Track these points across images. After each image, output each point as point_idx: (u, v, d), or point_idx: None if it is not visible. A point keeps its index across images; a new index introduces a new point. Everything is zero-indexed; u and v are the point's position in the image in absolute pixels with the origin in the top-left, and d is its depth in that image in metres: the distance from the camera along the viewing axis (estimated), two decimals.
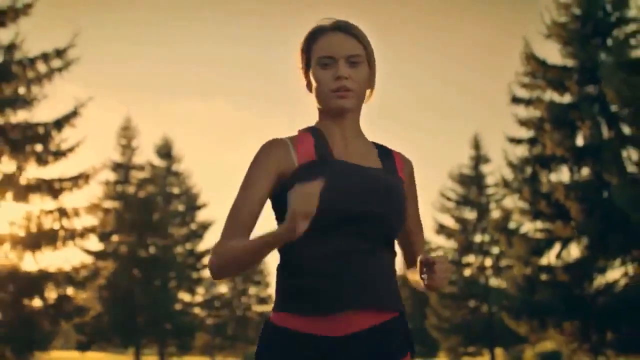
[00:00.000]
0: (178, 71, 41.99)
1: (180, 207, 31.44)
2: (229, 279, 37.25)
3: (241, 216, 1.77)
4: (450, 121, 38.31)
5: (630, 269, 12.95)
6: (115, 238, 25.68)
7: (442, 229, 29.00)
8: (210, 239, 32.59)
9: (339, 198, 1.72)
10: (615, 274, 13.79)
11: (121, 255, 26.01)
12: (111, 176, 27.97)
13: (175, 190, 31.50)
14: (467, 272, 28.19)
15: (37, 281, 12.74)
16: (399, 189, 1.81)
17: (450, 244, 29.06)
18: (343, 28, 1.81)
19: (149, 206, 27.53)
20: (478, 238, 28.17)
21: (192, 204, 31.93)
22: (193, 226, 31.55)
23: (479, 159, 29.64)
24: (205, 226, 31.75)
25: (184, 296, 30.67)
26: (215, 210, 32.37)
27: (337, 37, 1.80)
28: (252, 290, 41.48)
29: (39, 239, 13.14)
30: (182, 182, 31.91)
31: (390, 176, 1.83)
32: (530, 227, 15.04)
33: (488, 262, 27.76)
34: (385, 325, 1.76)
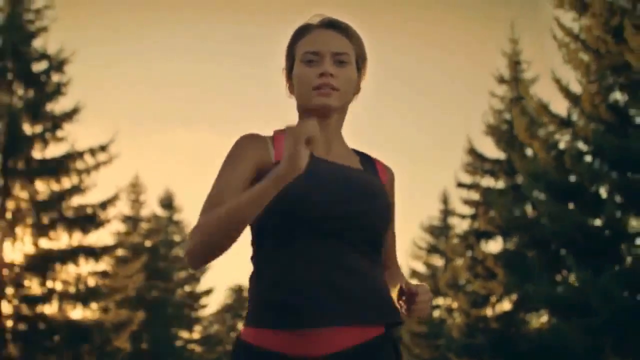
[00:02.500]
0: (161, 98, 44.44)
1: (181, 253, 35.32)
2: (221, 320, 40.81)
3: (227, 193, 1.59)
4: (423, 176, 42.43)
5: (546, 318, 16.99)
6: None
7: (414, 274, 33.01)
8: (206, 281, 36.53)
9: (317, 197, 1.57)
10: (536, 322, 17.82)
11: (133, 300, 29.79)
12: (121, 227, 31.83)
13: (177, 238, 35.41)
14: (436, 314, 32.17)
15: (86, 329, 16.60)
16: (383, 191, 1.69)
17: None
18: (332, 25, 1.69)
19: (155, 254, 31.40)
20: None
21: None
22: (191, 270, 35.46)
23: (447, 213, 33.77)
24: (202, 270, 35.62)
25: (183, 334, 34.49)
26: None
27: (325, 33, 1.68)
28: (241, 325, 45.09)
29: (87, 295, 17.04)
30: (182, 230, 35.84)
31: (373, 177, 1.71)
32: (475, 284, 19.11)
33: (455, 304, 31.79)
34: (371, 344, 1.57)
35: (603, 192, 10.88)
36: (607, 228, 10.46)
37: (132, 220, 32.11)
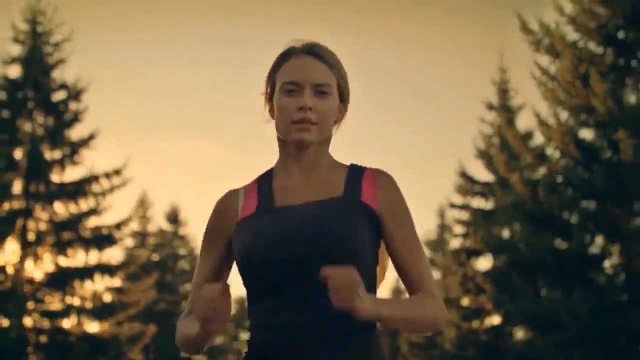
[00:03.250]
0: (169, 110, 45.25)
1: (186, 266, 36.60)
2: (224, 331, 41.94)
3: (197, 287, 1.72)
4: (419, 190, 43.55)
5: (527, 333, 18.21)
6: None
7: None
8: None
9: (256, 251, 1.58)
10: (521, 335, 19.06)
11: (143, 313, 31.05)
12: (130, 242, 33.11)
13: (182, 252, 36.69)
14: None
15: (103, 342, 17.84)
16: (342, 224, 1.58)
17: None
18: (314, 52, 1.65)
19: (163, 268, 32.67)
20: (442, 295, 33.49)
21: (195, 264, 37.25)
22: None
23: (443, 227, 35.02)
24: None
25: None
26: None
27: (306, 61, 1.64)
28: (243, 335, 46.39)
29: (102, 310, 18.30)
30: (187, 243, 37.13)
31: (336, 212, 1.60)
32: (466, 299, 20.33)
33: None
34: None
35: (574, 219, 12.11)
36: (576, 252, 11.70)
37: (140, 235, 33.40)
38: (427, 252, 34.98)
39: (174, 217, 36.90)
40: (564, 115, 12.97)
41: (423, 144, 44.31)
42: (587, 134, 12.23)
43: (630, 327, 10.86)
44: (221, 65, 43.23)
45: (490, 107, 20.42)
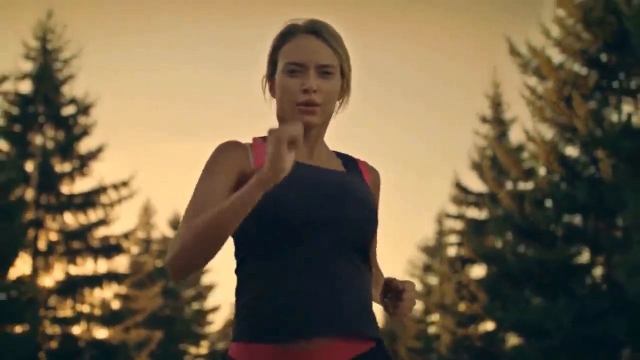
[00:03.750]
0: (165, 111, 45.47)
1: None
2: (226, 336, 42.77)
3: (209, 201, 1.54)
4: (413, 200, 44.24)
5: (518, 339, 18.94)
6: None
7: None
8: (213, 299, 38.59)
9: (295, 201, 1.54)
10: (513, 341, 19.81)
11: (148, 319, 31.81)
12: (135, 249, 33.86)
13: None
14: (431, 330, 34.15)
15: (112, 348, 18.59)
16: (368, 194, 1.66)
17: (418, 305, 35.12)
18: (317, 31, 1.63)
19: (166, 274, 33.41)
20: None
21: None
22: (199, 288, 37.48)
23: (441, 233, 35.75)
24: (209, 287, 37.64)
25: (192, 349, 36.48)
26: (218, 273, 38.17)
27: (310, 42, 1.63)
28: None
29: (111, 316, 19.05)
30: None
31: (356, 179, 1.69)
32: (460, 305, 21.08)
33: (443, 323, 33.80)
34: (363, 357, 1.54)
35: (559, 232, 12.86)
36: (561, 263, 12.46)
37: (145, 242, 34.17)
38: (424, 258, 35.77)
39: (176, 224, 37.67)
40: (551, 132, 13.74)
41: (421, 145, 44.91)
42: (571, 151, 13.01)
43: (611, 334, 11.61)
44: (223, 67, 43.64)
45: (484, 120, 21.17)
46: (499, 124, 20.71)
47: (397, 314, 1.58)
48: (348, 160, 1.75)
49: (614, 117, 13.13)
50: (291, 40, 1.64)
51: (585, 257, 12.78)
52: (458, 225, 20.94)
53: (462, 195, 20.77)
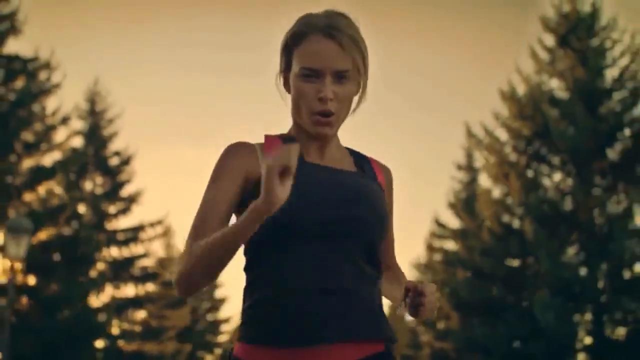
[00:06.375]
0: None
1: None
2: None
3: (210, 216, 1.59)
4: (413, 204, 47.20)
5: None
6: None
7: None
8: (225, 311, 43.04)
9: (310, 203, 1.57)
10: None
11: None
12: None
13: None
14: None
15: (152, 359, 23.04)
16: (379, 194, 1.69)
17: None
18: (335, 35, 1.61)
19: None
20: None
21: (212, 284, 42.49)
22: (213, 301, 41.93)
23: (432, 250, 40.07)
24: (222, 300, 42.08)
25: (208, 358, 40.86)
26: (229, 288, 42.46)
27: (326, 46, 1.61)
28: None
29: (149, 332, 23.49)
30: None
31: (369, 180, 1.71)
32: (440, 323, 25.43)
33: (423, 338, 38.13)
34: None
35: (501, 273, 17.24)
36: (498, 298, 16.88)
37: (166, 261, 38.38)
38: (415, 274, 39.98)
39: None
40: (496, 193, 18.16)
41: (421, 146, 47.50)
42: (507, 218, 17.48)
43: (533, 352, 15.97)
44: (226, 72, 44.35)
45: (459, 167, 25.57)
46: (472, 171, 25.08)
47: (417, 316, 1.62)
48: (361, 159, 1.77)
49: (541, 191, 17.44)
50: (308, 40, 1.63)
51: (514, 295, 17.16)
52: (438, 256, 25.42)
53: (441, 230, 25.17)
